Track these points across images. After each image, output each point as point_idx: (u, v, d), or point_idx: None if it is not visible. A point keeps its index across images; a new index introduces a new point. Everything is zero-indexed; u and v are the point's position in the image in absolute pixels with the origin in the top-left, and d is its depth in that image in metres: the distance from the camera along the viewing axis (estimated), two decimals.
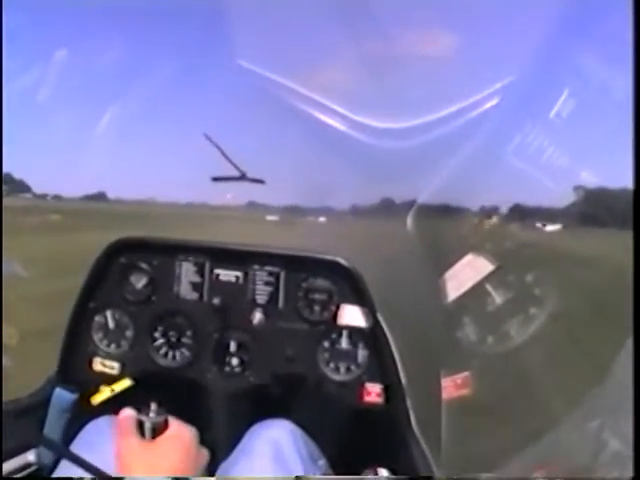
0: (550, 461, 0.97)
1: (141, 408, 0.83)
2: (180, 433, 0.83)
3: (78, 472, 0.69)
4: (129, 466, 0.75)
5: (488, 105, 1.09)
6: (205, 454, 0.87)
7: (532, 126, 1.21)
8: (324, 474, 1.05)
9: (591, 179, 1.20)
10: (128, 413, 0.84)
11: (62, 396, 1.20)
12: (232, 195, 1.39)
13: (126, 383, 1.19)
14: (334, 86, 1.05)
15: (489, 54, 1.16)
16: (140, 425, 0.80)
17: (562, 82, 1.18)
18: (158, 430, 0.81)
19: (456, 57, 1.09)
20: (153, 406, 0.82)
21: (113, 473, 0.77)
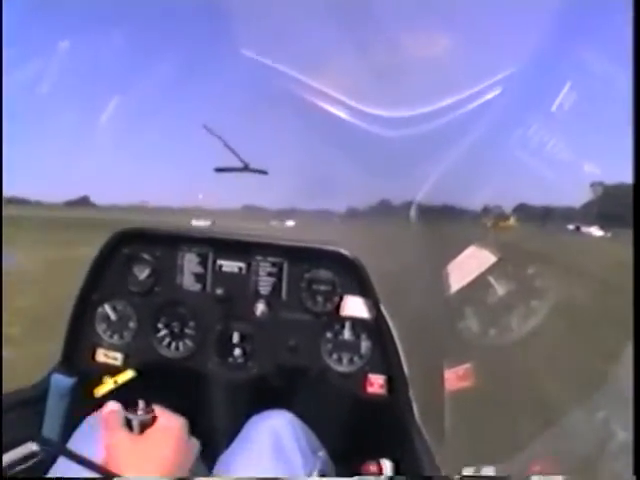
0: (549, 456, 0.97)
1: (128, 406, 0.81)
2: (169, 424, 0.80)
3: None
4: (118, 460, 0.73)
5: (490, 95, 1.09)
6: (195, 444, 0.85)
7: (534, 119, 1.22)
8: (324, 464, 1.05)
9: (593, 170, 1.20)
10: (113, 407, 0.81)
11: (60, 381, 1.21)
12: (203, 195, 1.38)
13: (129, 375, 1.19)
14: (336, 75, 1.06)
15: (492, 46, 1.16)
16: (128, 420, 0.79)
17: (563, 75, 1.18)
18: (146, 423, 0.79)
19: (459, 48, 1.10)
20: (141, 404, 0.79)
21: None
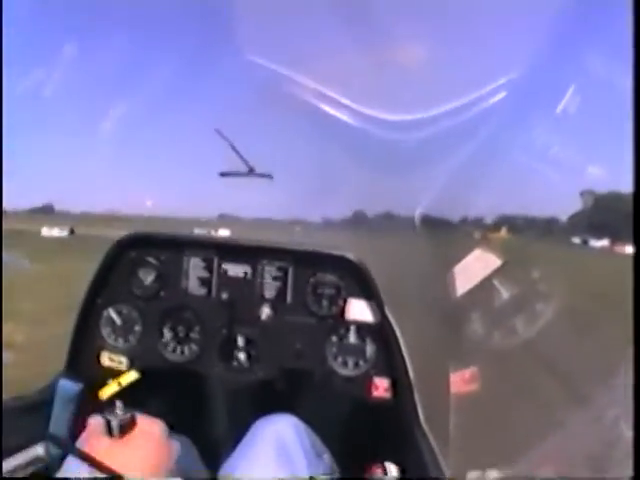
0: (558, 456, 0.96)
1: (106, 408, 0.82)
2: (149, 428, 0.81)
3: (85, 466, 0.68)
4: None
5: (495, 99, 1.10)
6: (176, 446, 0.86)
7: (538, 122, 1.22)
8: (328, 468, 1.05)
9: (598, 172, 1.20)
10: (96, 418, 0.81)
11: (66, 387, 1.21)
12: (152, 202, 1.38)
13: (133, 376, 1.19)
14: (341, 79, 1.06)
15: (496, 50, 1.17)
16: (108, 425, 0.79)
17: (568, 78, 1.18)
18: (126, 427, 0.79)
19: (464, 52, 1.10)
20: (119, 404, 0.80)
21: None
